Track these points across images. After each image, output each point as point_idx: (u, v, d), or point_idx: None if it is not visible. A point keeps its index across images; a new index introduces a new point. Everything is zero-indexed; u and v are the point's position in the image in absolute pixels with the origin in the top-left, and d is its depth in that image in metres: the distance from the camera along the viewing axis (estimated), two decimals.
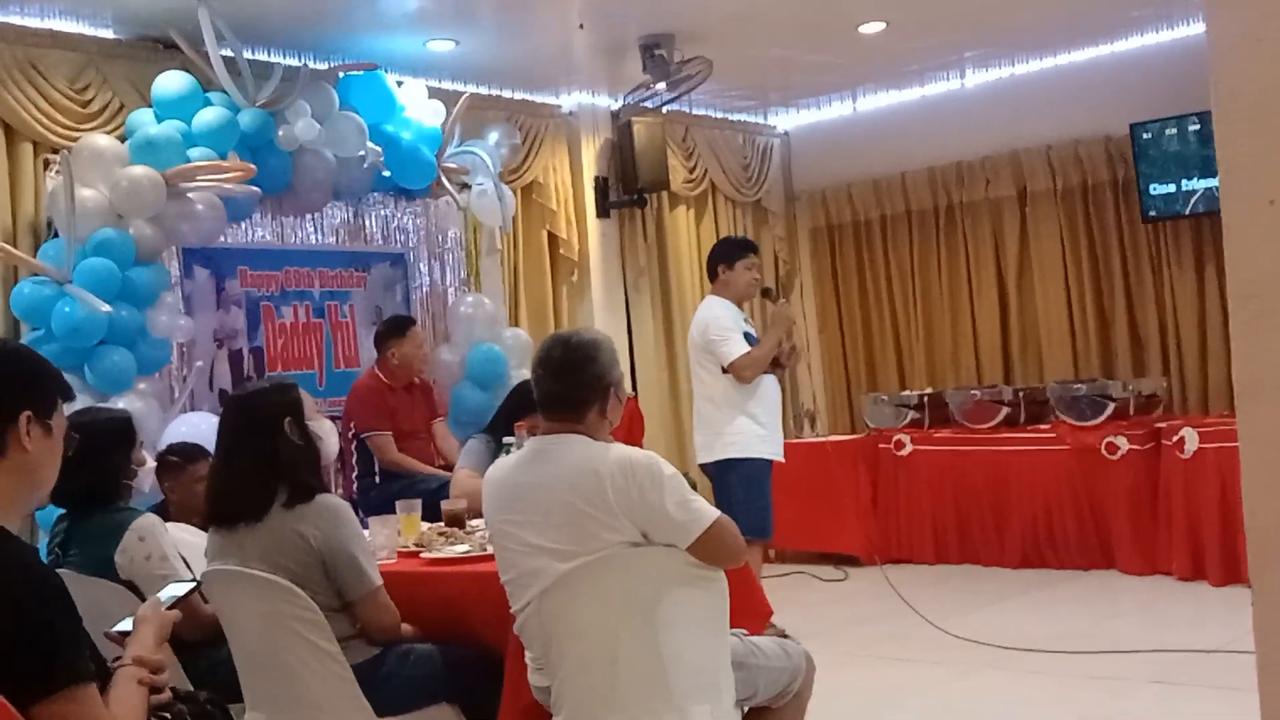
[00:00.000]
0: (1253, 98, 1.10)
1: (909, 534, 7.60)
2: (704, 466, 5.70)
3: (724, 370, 5.56)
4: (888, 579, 6.05)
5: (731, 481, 5.56)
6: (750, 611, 3.51)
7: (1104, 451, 6.86)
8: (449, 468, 5.92)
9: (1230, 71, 1.11)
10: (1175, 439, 6.51)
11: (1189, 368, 7.71)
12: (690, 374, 5.93)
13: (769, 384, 5.65)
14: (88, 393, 5.14)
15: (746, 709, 3.15)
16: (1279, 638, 1.12)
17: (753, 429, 5.57)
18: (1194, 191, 7.32)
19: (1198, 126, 7.18)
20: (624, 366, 7.84)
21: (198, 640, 3.35)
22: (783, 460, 5.69)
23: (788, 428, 8.88)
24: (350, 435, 5.99)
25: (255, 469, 3.27)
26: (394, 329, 6.13)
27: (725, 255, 5.80)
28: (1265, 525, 1.13)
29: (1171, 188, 7.45)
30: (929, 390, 8.07)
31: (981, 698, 4.82)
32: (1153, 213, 7.59)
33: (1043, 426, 7.31)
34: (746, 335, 5.63)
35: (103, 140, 5.56)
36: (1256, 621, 1.16)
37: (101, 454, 3.50)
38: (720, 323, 5.61)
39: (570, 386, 2.98)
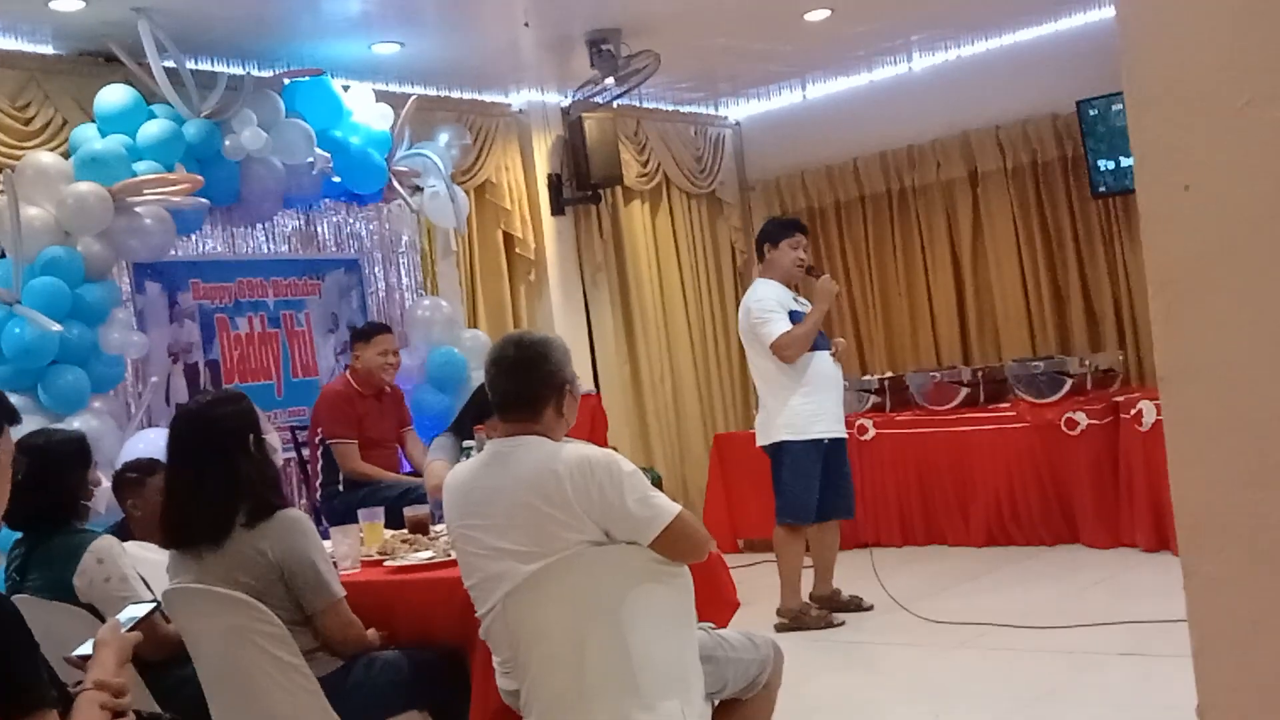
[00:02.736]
0: (1164, 83, 1.11)
1: (875, 517, 7.62)
2: (763, 448, 5.77)
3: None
4: (874, 565, 6.05)
5: (781, 464, 5.65)
6: (717, 604, 3.52)
7: (1064, 427, 6.91)
8: (419, 474, 5.91)
9: (1140, 57, 1.12)
10: (1133, 412, 6.56)
11: (1144, 341, 7.78)
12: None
13: (819, 361, 5.66)
14: (42, 413, 5.09)
15: (717, 702, 3.16)
16: (1212, 622, 1.14)
17: (805, 409, 5.63)
18: None
19: None
20: (585, 364, 7.96)
21: (161, 660, 3.32)
22: (843, 437, 5.82)
23: (751, 416, 8.93)
24: (317, 441, 5.92)
25: (218, 490, 3.20)
26: (360, 334, 6.03)
27: (770, 235, 5.84)
28: (1193, 509, 1.14)
29: (1119, 162, 7.52)
30: (889, 374, 8.10)
31: (954, 677, 4.85)
32: (1102, 188, 7.66)
33: (1002, 405, 7.35)
34: (795, 314, 5.66)
35: (46, 158, 5.49)
36: (1190, 606, 1.17)
37: (57, 475, 3.47)
38: (763, 304, 5.65)
39: (525, 385, 2.97)
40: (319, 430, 5.89)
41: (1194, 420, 1.14)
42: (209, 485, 3.21)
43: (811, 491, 5.68)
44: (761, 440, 5.77)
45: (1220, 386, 1.13)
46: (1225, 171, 1.11)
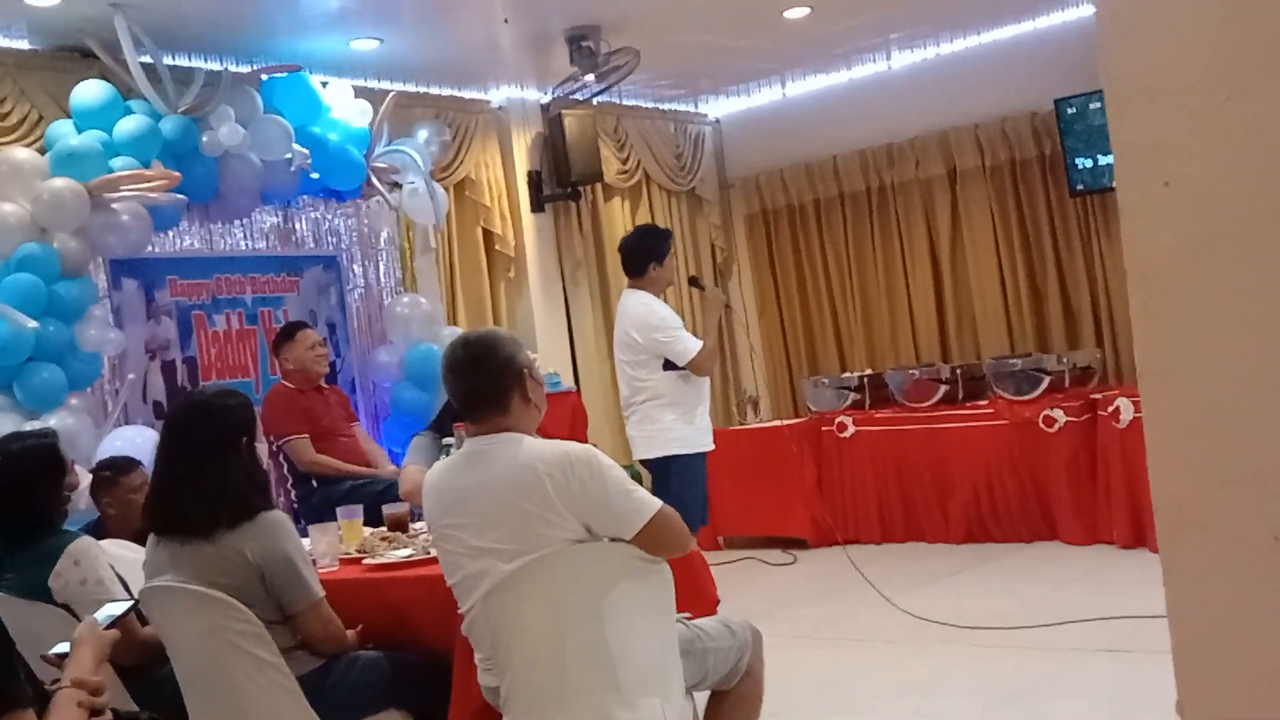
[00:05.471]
0: (1143, 80, 1.12)
1: (855, 514, 7.64)
2: (645, 462, 5.70)
3: (675, 366, 5.52)
4: (850, 559, 6.07)
5: (672, 476, 5.59)
6: (698, 601, 3.52)
7: (1042, 424, 6.94)
8: (371, 465, 5.96)
9: (1120, 53, 1.12)
10: (1111, 409, 6.59)
11: (1122, 338, 7.83)
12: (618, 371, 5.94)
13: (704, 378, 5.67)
14: (17, 411, 5.06)
15: (706, 691, 3.15)
16: (1192, 618, 1.14)
17: (692, 423, 5.60)
18: None
19: None
20: (565, 361, 7.95)
21: (136, 663, 3.30)
22: (713, 448, 5.74)
23: (730, 415, 8.95)
24: (274, 447, 5.89)
25: (211, 482, 3.17)
26: (283, 334, 6.05)
27: (658, 250, 5.69)
28: (1173, 505, 1.14)
29: (1097, 161, 7.56)
30: (868, 371, 8.13)
31: (934, 674, 4.86)
32: (1080, 186, 7.70)
33: (981, 403, 7.38)
34: None
35: (22, 153, 5.45)
36: (1169, 602, 1.17)
37: (30, 484, 3.44)
38: (667, 321, 5.58)
39: (483, 381, 2.96)
40: (270, 435, 5.85)
41: (1173, 417, 1.14)
42: (203, 476, 3.18)
43: (703, 498, 5.66)
44: (646, 454, 5.63)
45: (1199, 383, 1.13)
46: (1205, 168, 1.11)
